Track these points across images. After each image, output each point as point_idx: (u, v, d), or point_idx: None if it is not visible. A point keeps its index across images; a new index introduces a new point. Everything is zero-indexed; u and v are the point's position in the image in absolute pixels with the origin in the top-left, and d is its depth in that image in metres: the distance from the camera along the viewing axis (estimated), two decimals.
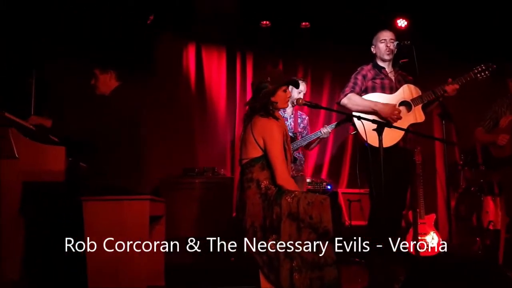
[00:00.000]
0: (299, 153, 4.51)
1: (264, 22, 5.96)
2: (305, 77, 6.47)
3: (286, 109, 4.39)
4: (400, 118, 3.61)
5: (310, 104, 3.18)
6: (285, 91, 3.04)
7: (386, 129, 3.05)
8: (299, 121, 4.54)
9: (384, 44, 3.77)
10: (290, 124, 4.48)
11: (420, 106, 3.69)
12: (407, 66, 3.84)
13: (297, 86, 3.39)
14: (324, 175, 6.26)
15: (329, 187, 5.40)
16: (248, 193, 2.88)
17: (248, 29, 6.00)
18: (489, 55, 5.18)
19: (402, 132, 3.59)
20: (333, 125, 4.39)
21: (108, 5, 5.01)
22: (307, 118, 4.66)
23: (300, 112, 4.66)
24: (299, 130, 4.51)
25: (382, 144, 3.04)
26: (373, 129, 3.06)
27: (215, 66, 6.20)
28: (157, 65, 5.72)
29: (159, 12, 5.48)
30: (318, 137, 4.35)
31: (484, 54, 5.34)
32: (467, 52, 5.60)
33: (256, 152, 2.92)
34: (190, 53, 6.10)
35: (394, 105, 3.63)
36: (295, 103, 3.92)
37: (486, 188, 5.26)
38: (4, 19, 4.36)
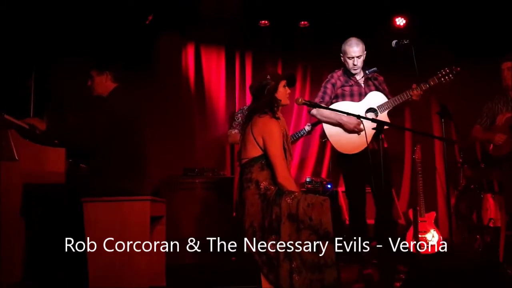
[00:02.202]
0: None
1: (263, 21, 5.96)
2: (304, 76, 6.49)
3: None
4: (362, 129, 3.66)
5: (309, 104, 3.18)
6: (284, 86, 3.07)
7: (351, 137, 3.31)
8: None
9: (351, 61, 3.83)
10: None
11: (385, 112, 3.78)
12: (405, 65, 3.84)
13: (293, 82, 3.35)
14: (324, 174, 6.26)
15: (329, 186, 5.40)
16: (247, 193, 2.89)
17: (247, 28, 6.00)
18: (489, 50, 5.20)
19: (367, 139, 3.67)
20: (315, 122, 4.65)
21: (107, 5, 5.01)
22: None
23: None
24: None
25: (382, 144, 3.06)
26: (373, 128, 3.09)
27: (214, 66, 6.20)
28: (156, 65, 5.72)
29: (158, 12, 5.48)
30: (303, 135, 4.56)
31: (483, 50, 5.37)
32: (467, 48, 5.61)
33: (255, 152, 2.92)
34: (189, 53, 6.10)
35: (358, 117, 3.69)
36: None
37: (486, 186, 5.26)
38: (3, 19, 4.35)
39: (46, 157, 3.09)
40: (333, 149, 3.86)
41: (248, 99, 5.98)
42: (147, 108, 4.33)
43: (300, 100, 3.12)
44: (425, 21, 5.75)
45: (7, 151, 3.01)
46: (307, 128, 4.86)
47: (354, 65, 3.81)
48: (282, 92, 3.06)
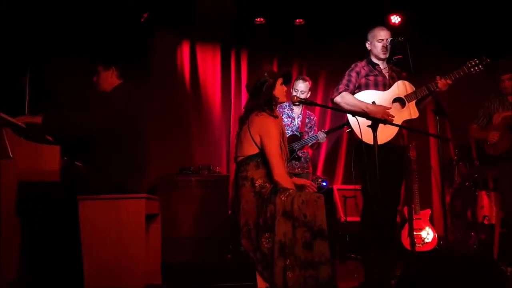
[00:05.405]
0: (304, 151, 4.63)
1: (259, 19, 5.96)
2: (300, 74, 6.49)
3: (295, 108, 4.56)
4: (393, 117, 3.61)
5: (304, 102, 3.19)
6: (281, 84, 3.07)
7: (380, 126, 3.07)
8: (306, 121, 4.63)
9: (381, 44, 3.77)
10: (297, 123, 4.59)
11: (413, 102, 3.70)
12: (402, 63, 3.84)
13: (289, 80, 3.32)
14: (319, 171, 6.28)
15: (324, 183, 5.42)
16: (243, 191, 2.89)
17: (242, 26, 6.00)
18: (484, 50, 5.21)
19: (396, 129, 3.60)
20: (329, 130, 4.67)
21: (103, 3, 4.99)
22: (315, 119, 4.80)
23: (309, 113, 4.77)
24: (306, 129, 4.59)
25: (376, 141, 3.05)
26: (368, 126, 3.07)
27: (210, 63, 6.19)
28: (152, 63, 5.71)
29: (153, 10, 5.47)
30: (316, 141, 4.51)
31: (480, 50, 5.38)
32: (463, 47, 5.62)
33: (252, 150, 2.92)
34: (185, 51, 6.09)
35: (385, 107, 3.63)
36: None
37: (481, 183, 5.29)
38: None
39: (40, 155, 3.07)
40: (355, 142, 3.64)
41: (244, 96, 5.98)
42: (144, 107, 4.32)
43: (295, 98, 3.13)
44: (420, 19, 5.76)
45: (2, 149, 2.99)
46: (320, 135, 4.53)
47: (384, 47, 3.75)
48: (280, 90, 3.06)
